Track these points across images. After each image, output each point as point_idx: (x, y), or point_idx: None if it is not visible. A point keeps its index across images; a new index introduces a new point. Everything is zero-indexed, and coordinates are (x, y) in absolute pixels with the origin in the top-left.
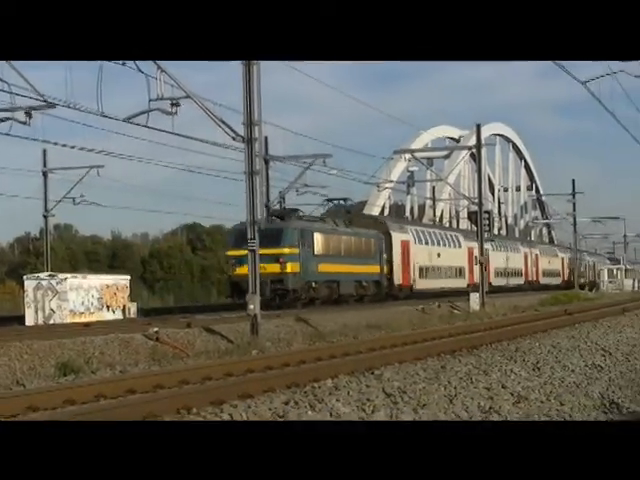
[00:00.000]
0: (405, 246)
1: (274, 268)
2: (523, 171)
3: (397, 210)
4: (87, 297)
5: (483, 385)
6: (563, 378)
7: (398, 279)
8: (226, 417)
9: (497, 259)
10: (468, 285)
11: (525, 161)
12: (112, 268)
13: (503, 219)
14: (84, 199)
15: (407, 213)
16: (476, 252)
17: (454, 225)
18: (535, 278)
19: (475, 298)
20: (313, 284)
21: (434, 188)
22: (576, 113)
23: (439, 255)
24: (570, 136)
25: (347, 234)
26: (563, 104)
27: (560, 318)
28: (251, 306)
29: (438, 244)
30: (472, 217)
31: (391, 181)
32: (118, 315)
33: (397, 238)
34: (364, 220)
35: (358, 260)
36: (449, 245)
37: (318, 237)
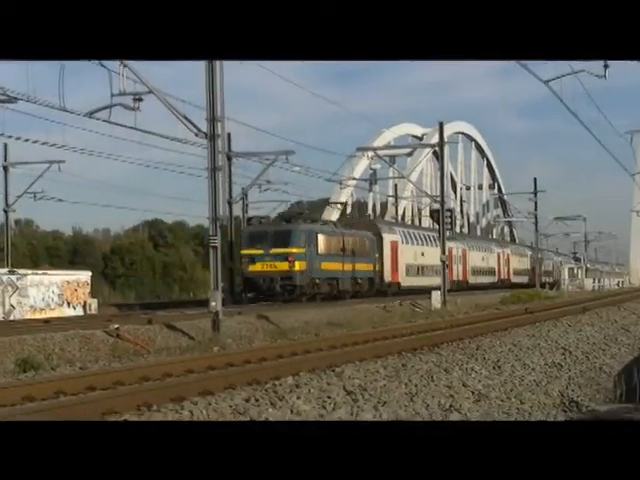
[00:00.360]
0: (394, 246)
1: (283, 266)
2: (485, 170)
3: (359, 207)
4: (48, 293)
5: (444, 383)
6: (523, 377)
7: (388, 277)
8: (186, 414)
9: (473, 259)
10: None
11: (487, 160)
12: (73, 264)
13: (465, 217)
14: (45, 194)
15: (369, 211)
16: (455, 251)
17: (416, 223)
18: (507, 277)
19: (437, 296)
20: (317, 281)
21: (396, 186)
22: (540, 112)
23: (423, 254)
24: (534, 135)
25: (345, 235)
26: (527, 103)
27: (521, 317)
28: (213, 303)
29: (422, 244)
30: (434, 215)
31: (354, 178)
32: (79, 311)
33: (387, 239)
34: (357, 222)
35: (355, 259)
36: (431, 245)
37: (321, 238)
